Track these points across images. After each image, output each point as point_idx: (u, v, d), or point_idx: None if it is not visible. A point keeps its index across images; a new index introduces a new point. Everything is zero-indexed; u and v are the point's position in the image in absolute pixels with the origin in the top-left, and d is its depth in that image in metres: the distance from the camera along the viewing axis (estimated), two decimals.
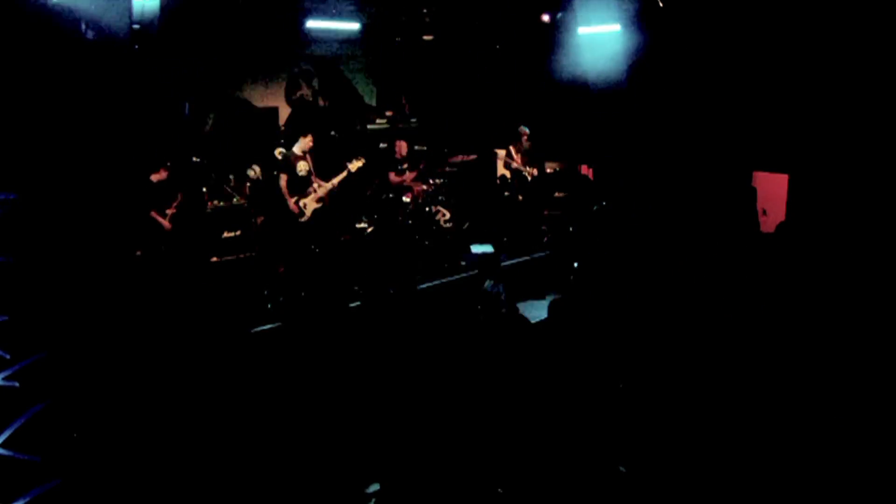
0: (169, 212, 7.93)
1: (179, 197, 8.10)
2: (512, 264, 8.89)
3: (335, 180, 8.49)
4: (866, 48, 7.97)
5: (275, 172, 8.45)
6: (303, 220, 8.34)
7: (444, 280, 8.35)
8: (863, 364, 5.28)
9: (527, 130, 10.05)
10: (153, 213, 7.78)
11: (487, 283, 6.73)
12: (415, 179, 9.44)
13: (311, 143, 8.41)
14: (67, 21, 6.69)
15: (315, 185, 8.42)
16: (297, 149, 8.37)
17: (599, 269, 7.33)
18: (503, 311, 6.53)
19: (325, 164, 8.89)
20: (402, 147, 9.54)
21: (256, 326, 6.94)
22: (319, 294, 7.64)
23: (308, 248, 8.38)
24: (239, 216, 8.57)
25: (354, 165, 8.53)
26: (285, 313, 7.19)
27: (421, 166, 9.61)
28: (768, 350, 5.55)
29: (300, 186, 8.37)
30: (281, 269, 8.23)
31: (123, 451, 5.04)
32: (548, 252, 9.37)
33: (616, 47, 10.04)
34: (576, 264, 7.43)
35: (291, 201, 8.28)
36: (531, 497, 4.39)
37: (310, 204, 8.39)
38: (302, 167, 8.34)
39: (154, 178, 7.84)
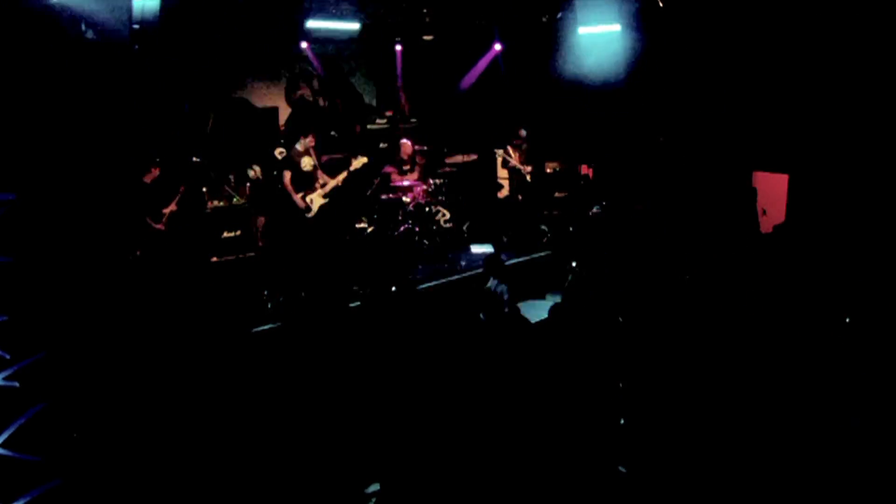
0: (165, 211, 7.87)
1: (180, 192, 8.01)
2: (512, 264, 8.88)
3: (340, 177, 8.51)
4: (865, 48, 7.97)
5: (274, 172, 8.45)
6: (309, 215, 8.36)
7: (444, 280, 8.33)
8: (862, 364, 5.28)
9: (524, 132, 10.06)
10: (147, 219, 7.69)
11: (491, 283, 6.72)
12: (416, 179, 9.42)
13: (312, 143, 8.44)
14: (68, 20, 6.70)
15: (321, 181, 8.44)
16: (299, 146, 8.40)
17: (599, 270, 7.33)
18: (505, 311, 6.52)
19: (330, 159, 8.88)
20: (406, 147, 9.50)
21: (256, 326, 6.93)
22: (319, 294, 7.64)
23: (314, 244, 8.37)
24: (239, 216, 8.57)
25: (357, 163, 8.53)
26: (285, 313, 7.18)
27: (423, 163, 9.56)
28: (768, 350, 5.55)
29: (305, 182, 8.37)
30: (284, 267, 8.17)
31: (123, 451, 5.04)
32: (548, 252, 9.35)
33: (616, 47, 10.03)
34: (574, 264, 7.43)
35: (298, 197, 8.29)
36: (532, 497, 4.39)
37: (316, 199, 8.41)
38: (306, 163, 8.36)
39: (147, 178, 7.75)
